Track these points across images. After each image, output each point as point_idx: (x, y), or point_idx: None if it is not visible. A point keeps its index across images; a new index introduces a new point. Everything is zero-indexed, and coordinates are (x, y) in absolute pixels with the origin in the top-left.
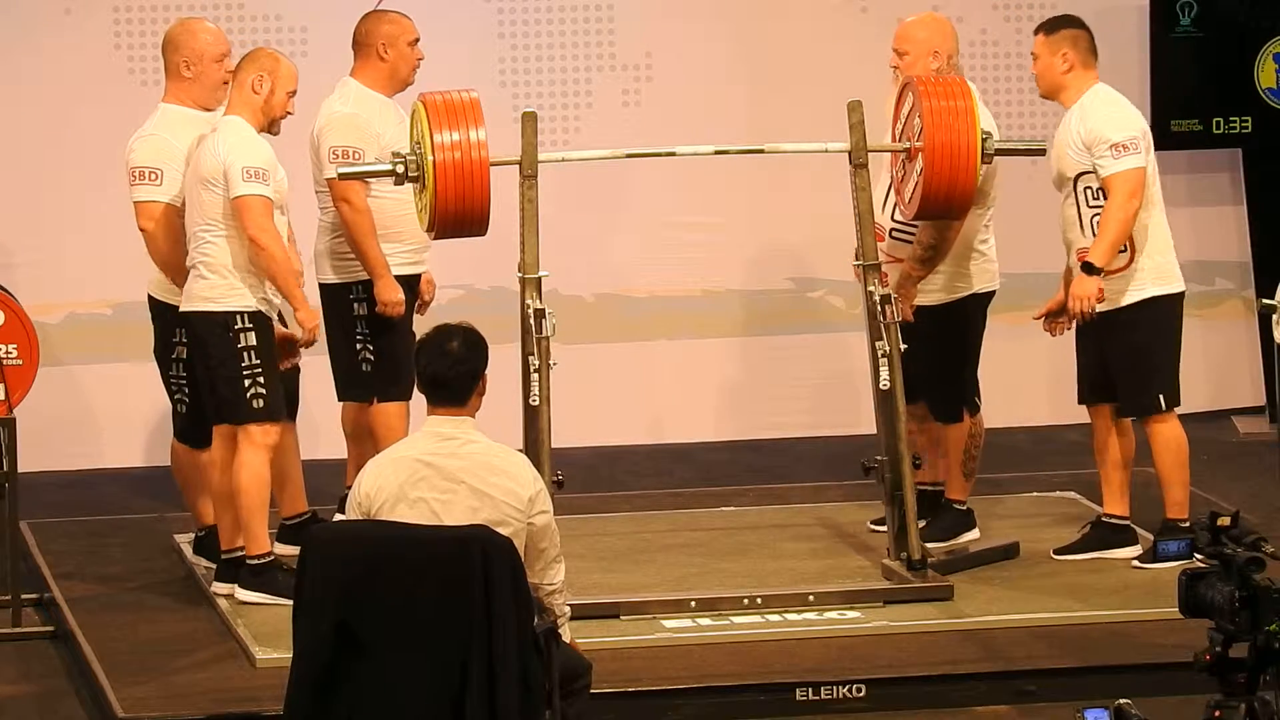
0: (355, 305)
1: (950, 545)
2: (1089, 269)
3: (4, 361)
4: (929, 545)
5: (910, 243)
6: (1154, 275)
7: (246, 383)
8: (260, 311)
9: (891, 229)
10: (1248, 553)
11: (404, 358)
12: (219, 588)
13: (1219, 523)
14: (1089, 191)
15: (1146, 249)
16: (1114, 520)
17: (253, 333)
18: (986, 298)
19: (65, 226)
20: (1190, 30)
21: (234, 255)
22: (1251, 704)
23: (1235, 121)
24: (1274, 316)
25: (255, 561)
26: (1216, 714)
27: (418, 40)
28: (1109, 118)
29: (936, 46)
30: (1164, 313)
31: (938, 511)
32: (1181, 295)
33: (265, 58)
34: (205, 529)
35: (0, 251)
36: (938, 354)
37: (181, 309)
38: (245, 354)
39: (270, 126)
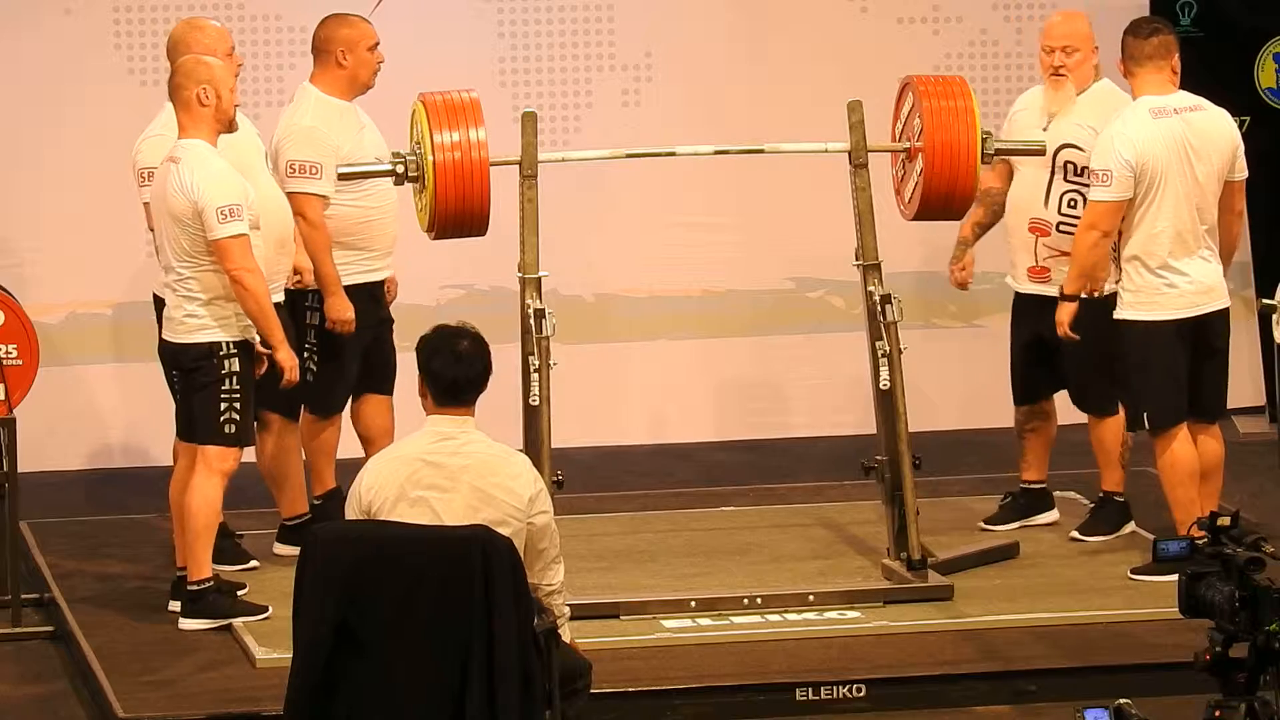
0: (309, 314)
1: (1115, 536)
2: (1063, 296)
3: (4, 361)
4: (1093, 537)
5: None
6: (1138, 295)
7: (223, 405)
8: (245, 340)
9: (1059, 223)
10: (1248, 553)
11: (340, 378)
12: (173, 605)
13: (1219, 523)
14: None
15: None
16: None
17: (236, 359)
18: None
19: (66, 226)
20: (1190, 30)
21: (219, 286)
22: (1251, 704)
23: (1235, 121)
24: (1274, 316)
25: (194, 588)
26: (1216, 714)
27: (377, 44)
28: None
29: (1095, 41)
30: (1138, 338)
31: (1099, 504)
32: (1166, 324)
33: (197, 67)
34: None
35: (1, 251)
36: (1097, 346)
37: (166, 338)
38: (227, 379)
39: (229, 127)
